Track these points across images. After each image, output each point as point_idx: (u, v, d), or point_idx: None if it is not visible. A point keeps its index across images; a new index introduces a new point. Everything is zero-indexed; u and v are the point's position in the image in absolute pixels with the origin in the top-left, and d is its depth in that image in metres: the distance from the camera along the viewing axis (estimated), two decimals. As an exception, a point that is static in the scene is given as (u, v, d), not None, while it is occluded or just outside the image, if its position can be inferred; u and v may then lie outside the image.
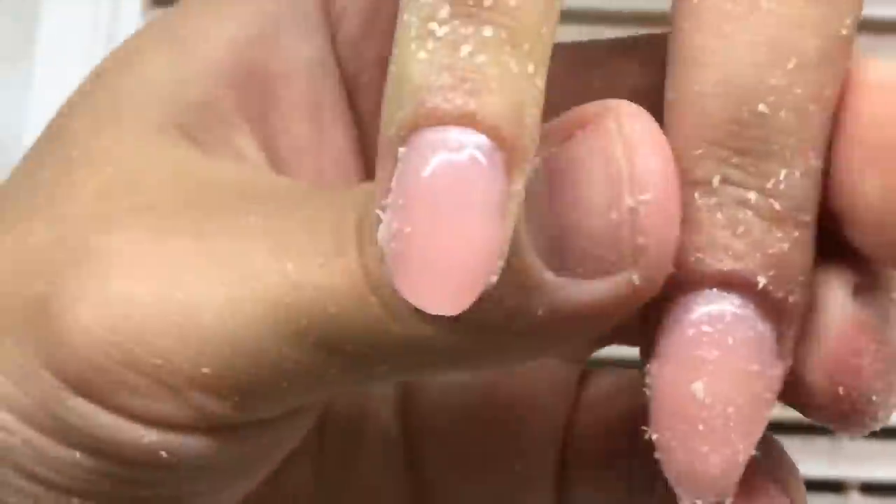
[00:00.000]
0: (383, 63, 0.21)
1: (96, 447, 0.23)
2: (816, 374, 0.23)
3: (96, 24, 0.50)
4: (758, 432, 0.22)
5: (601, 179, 0.22)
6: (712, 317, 0.22)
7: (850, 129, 0.22)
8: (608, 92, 0.24)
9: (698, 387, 0.22)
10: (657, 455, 0.22)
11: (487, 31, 0.20)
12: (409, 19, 0.20)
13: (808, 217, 0.22)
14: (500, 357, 0.23)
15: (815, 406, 0.23)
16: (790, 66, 0.22)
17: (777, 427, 0.25)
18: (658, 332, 0.22)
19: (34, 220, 0.25)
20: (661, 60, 0.24)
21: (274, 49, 0.28)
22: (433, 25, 0.20)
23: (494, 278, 0.20)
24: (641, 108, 0.22)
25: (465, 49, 0.20)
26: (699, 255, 0.22)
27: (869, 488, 0.49)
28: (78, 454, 0.23)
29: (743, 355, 0.22)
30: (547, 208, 0.22)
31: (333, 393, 0.25)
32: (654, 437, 0.22)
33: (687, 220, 0.22)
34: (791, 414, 0.25)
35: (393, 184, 0.20)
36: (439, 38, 0.20)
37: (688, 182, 0.22)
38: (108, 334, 0.23)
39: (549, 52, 0.21)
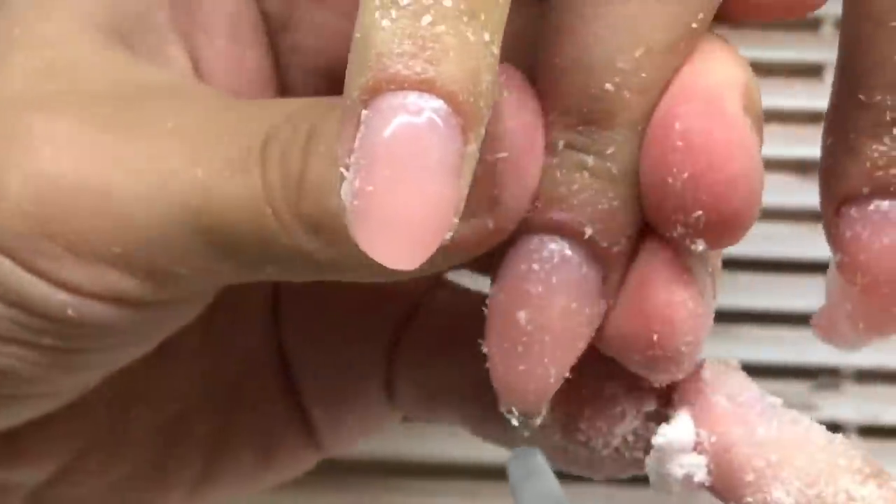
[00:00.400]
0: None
1: (12, 299, 0.27)
2: (634, 319, 0.25)
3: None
4: (571, 360, 0.26)
5: None
6: (542, 257, 0.25)
7: (662, 127, 0.24)
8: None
9: (522, 315, 0.25)
10: (488, 365, 0.26)
11: (447, 2, 0.21)
12: None
13: (637, 181, 0.25)
14: (368, 272, 0.26)
15: (629, 349, 0.26)
16: (638, 53, 0.24)
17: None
18: (499, 266, 0.26)
19: None
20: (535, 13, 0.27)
21: None
22: None
23: (450, 234, 0.21)
24: (514, 71, 0.25)
25: (426, 19, 0.21)
26: (538, 204, 0.25)
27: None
28: (15, 311, 0.27)
29: (564, 292, 0.25)
30: None
31: (227, 283, 0.28)
32: (485, 350, 0.26)
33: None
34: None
35: (356, 144, 0.21)
36: (402, 8, 0.21)
37: (545, 144, 0.25)
38: (31, 206, 0.26)
39: (503, 20, 0.22)
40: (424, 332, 0.34)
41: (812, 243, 0.46)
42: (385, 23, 0.21)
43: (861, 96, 0.26)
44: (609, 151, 0.25)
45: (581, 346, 0.26)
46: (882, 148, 0.26)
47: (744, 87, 0.25)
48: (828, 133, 0.27)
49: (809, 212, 0.47)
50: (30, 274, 0.26)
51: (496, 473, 0.45)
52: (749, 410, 0.26)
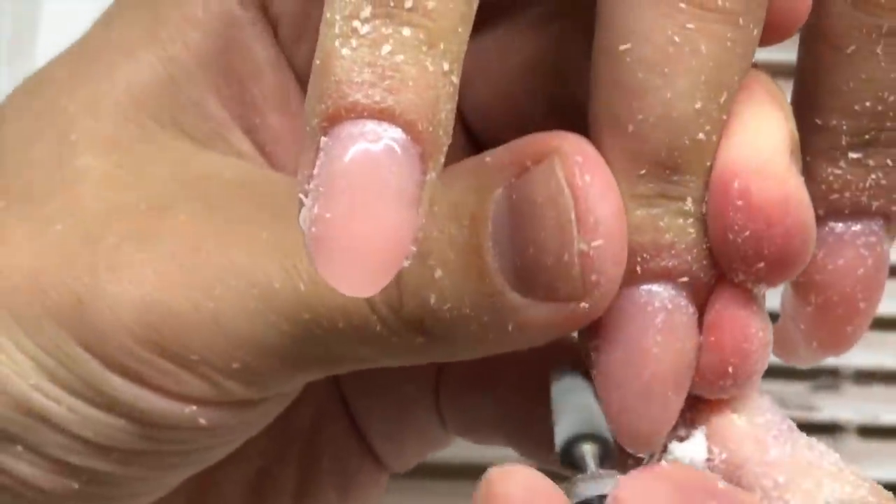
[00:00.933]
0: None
1: (139, 416, 0.28)
2: (712, 352, 0.26)
3: (97, 24, 0.50)
4: (683, 396, 0.26)
5: (552, 225, 0.25)
6: (655, 308, 0.26)
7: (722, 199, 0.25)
8: (501, 59, 0.29)
9: (644, 370, 0.26)
10: (608, 418, 0.26)
11: (406, 31, 0.21)
12: (332, 17, 0.21)
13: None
14: (470, 354, 0.27)
15: (704, 379, 0.26)
16: (723, 99, 0.25)
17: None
18: (605, 320, 0.26)
19: (47, 206, 0.28)
20: (555, 33, 0.28)
21: (239, 51, 0.30)
22: (356, 23, 0.21)
23: (408, 262, 0.22)
24: (586, 145, 0.25)
25: (386, 48, 0.21)
26: (645, 255, 0.25)
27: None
28: (123, 421, 0.28)
29: (679, 337, 0.26)
30: (509, 237, 0.25)
31: (321, 377, 0.29)
32: (602, 402, 0.26)
33: (631, 226, 0.25)
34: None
35: (315, 171, 0.22)
36: (362, 36, 0.21)
37: (632, 195, 0.25)
38: (150, 333, 0.27)
39: (464, 49, 0.22)
40: (463, 365, 0.33)
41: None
42: (345, 51, 0.21)
43: (818, 120, 0.27)
44: (697, 195, 0.25)
45: (691, 377, 0.26)
46: (837, 171, 0.27)
47: (788, 133, 0.25)
48: None
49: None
50: (155, 393, 0.27)
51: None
52: (765, 432, 0.26)
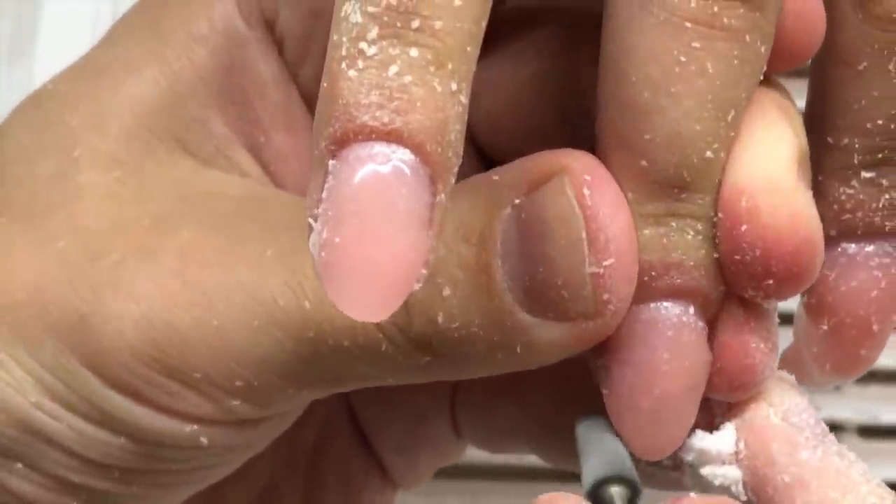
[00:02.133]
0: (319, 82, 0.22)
1: (139, 435, 0.27)
2: (718, 365, 0.26)
3: (97, 24, 0.50)
4: (695, 411, 0.26)
5: (562, 244, 0.25)
6: (665, 325, 0.25)
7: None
8: (511, 72, 0.29)
9: (655, 388, 0.25)
10: (620, 433, 0.26)
11: (414, 52, 0.21)
12: (338, 39, 0.21)
13: None
14: (477, 373, 0.27)
15: (712, 389, 0.26)
16: (730, 117, 0.24)
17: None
18: (615, 338, 0.25)
19: (50, 222, 0.28)
20: (565, 46, 0.28)
21: (244, 69, 0.30)
22: (363, 45, 0.21)
23: (419, 286, 0.22)
24: (596, 162, 0.25)
25: (393, 69, 0.21)
26: (654, 273, 0.25)
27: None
28: (123, 439, 0.27)
29: (690, 353, 0.25)
30: (518, 256, 0.25)
31: (326, 395, 0.29)
32: (612, 418, 0.26)
33: (640, 244, 0.25)
34: None
35: (324, 195, 0.21)
36: (369, 58, 0.21)
37: (641, 214, 0.25)
38: (152, 351, 0.27)
39: (472, 69, 0.22)
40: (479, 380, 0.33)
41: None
42: (352, 73, 0.21)
43: (829, 139, 0.27)
44: (705, 212, 0.25)
45: (702, 392, 0.26)
46: (850, 191, 0.27)
47: (797, 148, 0.25)
48: None
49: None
50: (156, 412, 0.27)
51: (497, 473, 0.46)
52: (797, 433, 0.26)
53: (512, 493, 0.46)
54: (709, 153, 0.24)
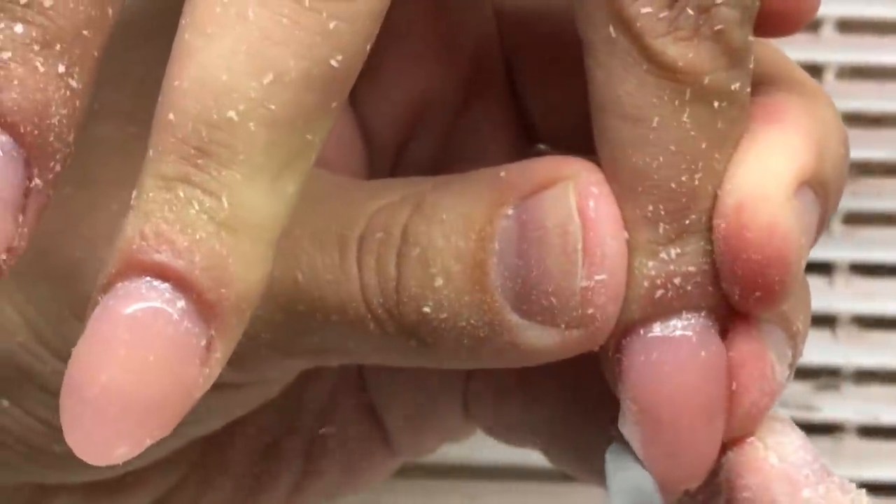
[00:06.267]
0: None
1: None
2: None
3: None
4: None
5: (558, 251, 0.25)
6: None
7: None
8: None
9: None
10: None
11: (18, 28, 0.20)
12: None
13: None
14: (459, 365, 0.27)
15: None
16: (266, 80, 0.22)
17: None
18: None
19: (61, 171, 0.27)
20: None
21: None
22: None
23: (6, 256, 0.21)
24: (600, 176, 0.25)
25: None
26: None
27: (870, 489, 0.49)
28: None
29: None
30: (514, 257, 0.25)
31: (312, 366, 0.29)
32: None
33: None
34: (791, 415, 0.26)
35: None
36: None
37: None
38: None
39: (91, 54, 0.21)
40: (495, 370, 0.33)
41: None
42: None
43: (636, 210, 0.25)
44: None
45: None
46: (658, 264, 0.25)
47: (800, 166, 0.25)
48: None
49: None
50: None
51: (496, 473, 0.45)
52: (797, 471, 0.26)
53: (512, 493, 0.46)
54: (230, 113, 0.22)
